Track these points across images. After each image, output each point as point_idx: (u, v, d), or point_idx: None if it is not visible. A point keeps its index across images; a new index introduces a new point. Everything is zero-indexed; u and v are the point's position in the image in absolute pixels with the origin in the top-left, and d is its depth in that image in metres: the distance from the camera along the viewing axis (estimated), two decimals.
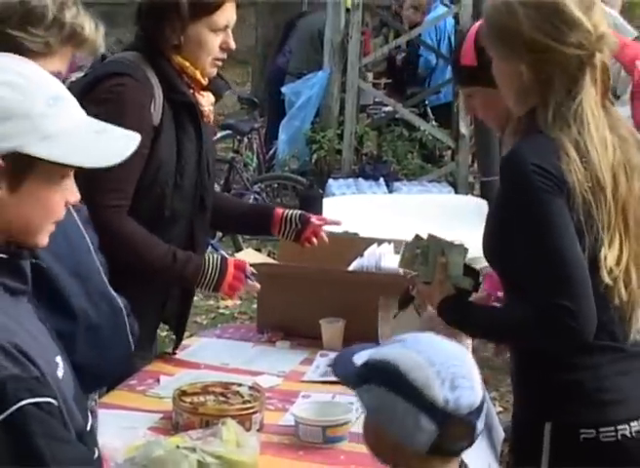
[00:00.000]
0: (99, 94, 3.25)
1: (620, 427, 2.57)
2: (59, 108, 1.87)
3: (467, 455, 3.20)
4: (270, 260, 4.33)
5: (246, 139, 10.48)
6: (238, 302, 7.66)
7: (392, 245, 3.88)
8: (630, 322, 2.61)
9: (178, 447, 2.66)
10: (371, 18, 12.17)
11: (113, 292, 2.74)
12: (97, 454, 2.01)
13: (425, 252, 2.94)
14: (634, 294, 2.59)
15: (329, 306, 3.59)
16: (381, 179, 9.24)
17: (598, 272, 2.53)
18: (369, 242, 4.03)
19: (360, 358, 2.22)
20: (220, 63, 3.44)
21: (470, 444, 2.19)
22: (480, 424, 2.16)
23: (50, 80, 1.91)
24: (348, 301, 3.57)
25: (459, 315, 2.81)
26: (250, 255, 4.37)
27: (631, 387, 2.63)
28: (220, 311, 7.46)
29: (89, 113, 1.98)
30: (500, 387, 5.65)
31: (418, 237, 3.01)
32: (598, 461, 2.57)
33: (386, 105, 10.72)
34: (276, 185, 10.26)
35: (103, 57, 3.45)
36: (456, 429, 2.12)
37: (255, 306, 4.27)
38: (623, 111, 5.12)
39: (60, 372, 1.89)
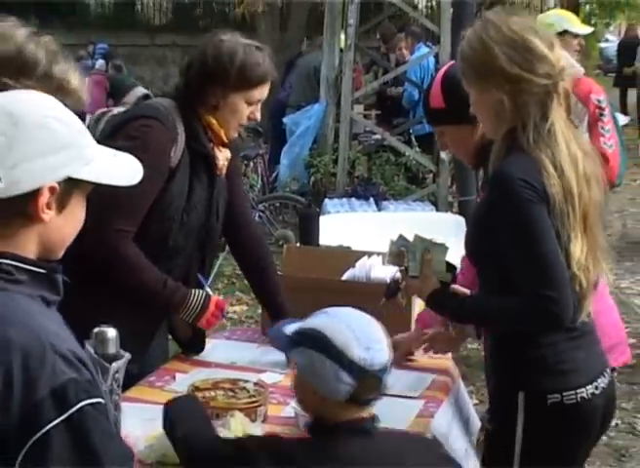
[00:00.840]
0: (128, 130, 3.26)
1: (578, 391, 2.75)
2: (88, 138, 1.90)
3: (448, 443, 3.21)
4: None
5: (252, 164, 10.50)
6: (245, 308, 7.67)
7: (381, 257, 3.89)
8: (582, 305, 2.75)
9: None
10: (361, 57, 12.20)
11: None
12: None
13: (413, 250, 3.01)
14: (590, 283, 2.75)
15: None
16: (371, 199, 9.27)
17: (569, 263, 2.68)
18: (360, 254, 4.03)
19: (290, 329, 2.45)
20: (241, 129, 3.45)
21: (379, 396, 2.39)
22: (386, 379, 2.37)
23: (73, 114, 1.93)
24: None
25: (451, 305, 2.95)
26: None
27: (584, 359, 2.81)
28: (229, 316, 7.46)
29: (117, 145, 2.01)
30: (476, 382, 5.64)
31: (401, 236, 3.13)
32: (563, 420, 2.76)
33: (375, 134, 10.76)
34: (278, 204, 10.28)
35: (147, 96, 3.47)
36: (369, 382, 2.31)
37: (260, 311, 4.25)
38: None
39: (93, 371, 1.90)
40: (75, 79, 2.52)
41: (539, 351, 2.77)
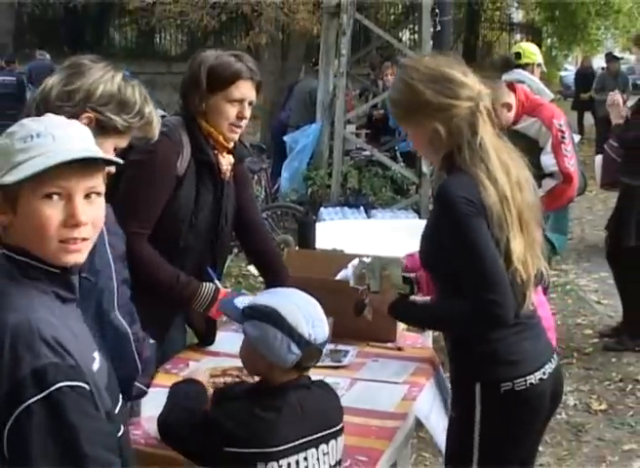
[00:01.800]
0: (142, 145, 3.27)
1: (528, 378, 2.75)
2: (34, 142, 1.82)
3: (430, 422, 3.19)
4: None
5: (256, 177, 10.49)
6: None
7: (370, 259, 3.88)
8: (525, 297, 2.75)
9: None
10: (352, 83, 12.19)
11: (120, 319, 2.52)
12: (122, 431, 1.98)
13: (372, 268, 3.05)
14: (530, 275, 2.74)
15: (321, 307, 3.57)
16: (362, 208, 9.23)
17: (511, 259, 2.68)
18: (352, 257, 4.00)
19: (240, 302, 2.58)
20: (237, 129, 3.38)
21: (317, 362, 2.55)
22: (323, 349, 2.52)
23: (37, 123, 1.88)
24: (336, 303, 3.52)
25: (406, 314, 2.98)
26: None
27: (531, 349, 2.81)
28: None
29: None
30: None
31: (361, 261, 3.19)
32: (516, 404, 2.76)
33: (365, 150, 10.72)
34: (279, 213, 10.25)
35: (163, 117, 3.47)
36: (311, 353, 2.46)
37: None
38: (548, 159, 5.16)
39: (95, 366, 1.88)
40: (156, 119, 2.67)
41: (489, 346, 2.76)
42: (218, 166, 3.41)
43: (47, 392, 1.69)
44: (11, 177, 1.79)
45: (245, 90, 3.34)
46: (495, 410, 2.75)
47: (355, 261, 3.20)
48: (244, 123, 3.39)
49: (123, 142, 2.59)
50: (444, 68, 2.78)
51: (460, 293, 2.71)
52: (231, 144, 3.44)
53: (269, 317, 2.44)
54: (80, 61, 2.59)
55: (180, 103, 3.47)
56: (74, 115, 2.39)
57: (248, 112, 3.37)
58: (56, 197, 1.81)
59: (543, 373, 2.79)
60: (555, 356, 2.91)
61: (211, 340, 3.63)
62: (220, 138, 3.37)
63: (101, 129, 2.50)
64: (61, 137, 1.85)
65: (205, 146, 3.36)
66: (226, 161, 3.44)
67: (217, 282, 3.39)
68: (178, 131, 3.34)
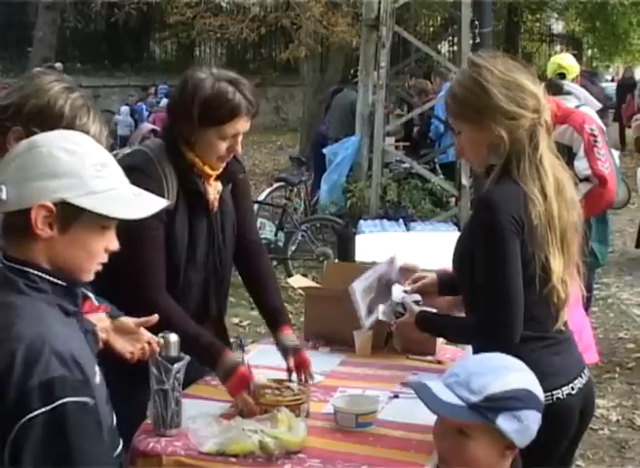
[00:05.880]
0: None
1: (554, 392, 2.70)
2: (104, 173, 1.90)
3: None
4: (315, 284, 4.32)
5: (295, 189, 10.54)
6: (289, 317, 7.65)
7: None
8: (559, 316, 2.74)
9: (244, 429, 2.66)
10: (391, 95, 12.20)
11: None
12: (120, 446, 2.03)
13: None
14: (568, 294, 2.72)
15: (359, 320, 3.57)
16: (401, 220, 9.22)
17: (550, 277, 2.66)
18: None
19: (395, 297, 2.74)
20: (225, 161, 3.10)
21: None
22: None
23: (100, 151, 1.95)
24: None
25: (426, 322, 2.95)
26: (299, 280, 4.39)
27: (561, 363, 2.76)
28: None
29: None
30: None
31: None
32: (542, 418, 2.62)
33: (404, 163, 10.71)
34: (319, 225, 10.27)
35: (154, 131, 3.35)
36: None
37: (302, 320, 4.25)
38: (581, 163, 5.16)
39: (97, 379, 1.90)
40: (95, 130, 2.49)
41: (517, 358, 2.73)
42: (204, 196, 3.15)
43: (51, 406, 1.68)
44: (89, 203, 1.85)
45: (240, 125, 3.02)
46: None
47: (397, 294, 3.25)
48: (233, 154, 3.12)
49: None
50: (516, 75, 2.70)
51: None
52: (218, 171, 3.15)
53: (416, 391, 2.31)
54: (31, 75, 2.57)
55: (166, 127, 3.19)
56: (6, 129, 2.39)
57: (239, 145, 3.06)
58: (107, 230, 1.93)
59: (572, 389, 2.75)
60: (586, 372, 2.86)
61: None
62: (206, 168, 3.10)
63: None
64: (113, 167, 1.95)
65: (191, 175, 3.09)
66: (214, 189, 3.17)
67: (244, 356, 3.12)
68: (158, 161, 3.06)
